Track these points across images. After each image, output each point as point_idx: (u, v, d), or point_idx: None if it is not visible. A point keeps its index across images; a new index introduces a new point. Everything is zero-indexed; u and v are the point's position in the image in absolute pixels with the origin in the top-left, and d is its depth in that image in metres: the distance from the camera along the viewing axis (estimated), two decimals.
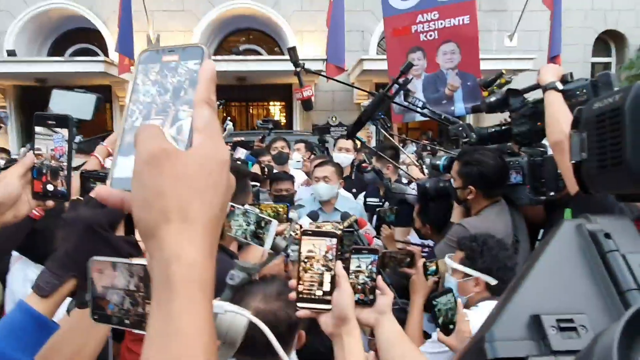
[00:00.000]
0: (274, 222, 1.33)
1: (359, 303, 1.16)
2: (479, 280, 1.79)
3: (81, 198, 1.03)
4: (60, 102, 1.53)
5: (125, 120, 0.51)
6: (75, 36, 12.94)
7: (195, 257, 0.42)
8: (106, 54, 11.87)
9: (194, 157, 0.44)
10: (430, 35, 4.44)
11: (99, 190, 0.50)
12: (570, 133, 0.47)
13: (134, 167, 0.44)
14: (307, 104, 2.91)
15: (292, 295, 1.11)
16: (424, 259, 2.12)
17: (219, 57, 11.05)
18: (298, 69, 2.78)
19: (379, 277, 1.20)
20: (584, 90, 1.72)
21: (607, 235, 0.36)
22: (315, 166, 3.46)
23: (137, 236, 0.85)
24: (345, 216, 2.35)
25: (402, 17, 4.60)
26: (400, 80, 2.49)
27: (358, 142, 4.14)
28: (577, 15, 12.36)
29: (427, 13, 4.46)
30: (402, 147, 4.78)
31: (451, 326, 1.62)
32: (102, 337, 0.93)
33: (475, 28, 4.35)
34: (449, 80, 4.32)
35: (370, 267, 1.18)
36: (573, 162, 0.47)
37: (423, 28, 4.49)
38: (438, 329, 1.66)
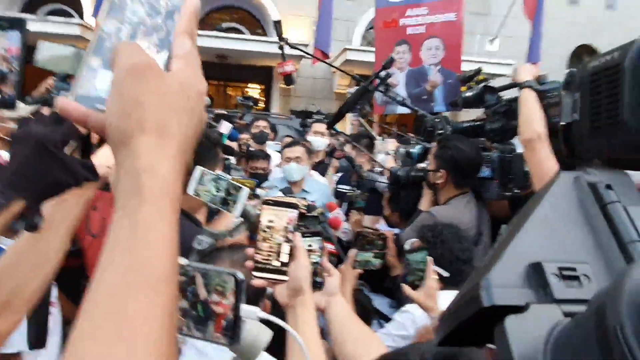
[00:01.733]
0: (245, 189, 1.30)
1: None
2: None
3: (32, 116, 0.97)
4: (46, 54, 1.48)
5: (93, 44, 0.49)
6: None
7: (169, 172, 0.41)
8: (82, 17, 11.41)
9: (176, 79, 0.44)
10: (417, 30, 4.50)
11: (63, 103, 0.46)
12: (562, 94, 0.48)
13: (114, 76, 0.43)
14: (288, 79, 2.91)
15: (249, 263, 1.10)
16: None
17: (200, 32, 10.80)
18: (282, 43, 2.76)
19: (324, 258, 1.20)
20: (556, 93, 1.79)
21: (609, 187, 0.35)
22: (286, 146, 3.46)
23: (95, 160, 0.80)
24: (312, 207, 2.35)
25: (393, 9, 4.65)
26: (382, 73, 2.53)
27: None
28: (557, 26, 12.68)
29: (417, 7, 4.52)
30: (382, 138, 4.83)
31: (417, 284, 1.62)
32: (45, 279, 0.86)
33: (461, 26, 4.43)
34: (430, 76, 4.36)
35: (319, 250, 1.19)
36: (563, 123, 0.45)
37: (410, 22, 4.55)
38: (404, 285, 1.66)
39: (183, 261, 0.84)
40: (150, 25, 0.49)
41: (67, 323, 2.23)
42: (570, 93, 0.44)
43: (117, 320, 0.36)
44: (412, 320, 1.72)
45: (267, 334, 0.85)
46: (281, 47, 2.79)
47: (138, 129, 0.41)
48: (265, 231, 1.10)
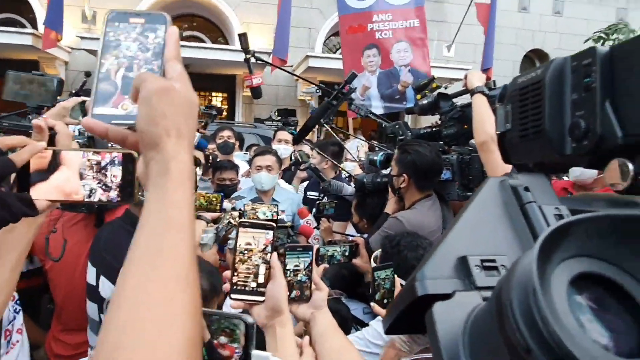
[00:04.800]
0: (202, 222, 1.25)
1: (295, 300, 1.17)
2: None
3: None
4: (16, 86, 1.41)
5: (99, 71, 0.62)
6: (1, 5, 11.89)
7: (187, 159, 0.58)
8: (35, 27, 11.02)
9: (182, 94, 0.60)
10: (385, 34, 4.65)
11: (86, 121, 0.61)
12: (497, 107, 0.52)
13: (143, 95, 0.58)
14: (256, 92, 2.91)
15: (226, 286, 1.10)
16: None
17: None
18: (248, 56, 2.77)
19: (314, 272, 1.22)
20: None
21: (526, 189, 0.41)
22: (256, 155, 3.43)
23: (33, 194, 0.79)
24: (281, 220, 2.37)
25: (358, 15, 4.77)
26: (345, 89, 2.60)
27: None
28: (509, 33, 13.25)
29: (381, 14, 4.68)
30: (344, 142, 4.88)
31: (385, 301, 1.65)
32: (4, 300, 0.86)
33: (424, 31, 4.61)
34: (401, 77, 4.52)
35: (308, 265, 1.20)
36: (498, 132, 0.50)
37: (379, 27, 4.69)
38: (373, 303, 1.69)
39: None
40: (143, 59, 0.63)
41: (35, 348, 2.16)
42: (503, 105, 0.50)
43: (154, 259, 0.52)
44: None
45: None
46: (247, 60, 2.80)
47: (165, 134, 0.57)
48: (242, 253, 1.10)
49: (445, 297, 0.34)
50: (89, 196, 0.79)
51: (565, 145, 0.41)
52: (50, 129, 1.03)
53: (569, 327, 0.25)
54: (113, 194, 0.79)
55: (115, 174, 0.80)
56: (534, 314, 0.25)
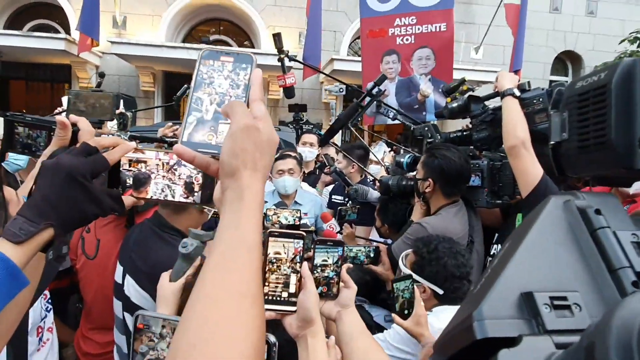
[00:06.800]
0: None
1: (322, 296, 1.14)
2: (426, 287, 1.77)
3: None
4: (78, 103, 1.47)
5: (190, 105, 0.70)
6: (35, 11, 12.30)
7: (259, 189, 0.65)
8: (68, 32, 11.35)
9: (265, 134, 0.66)
10: (407, 40, 4.46)
11: (177, 147, 0.68)
12: (550, 114, 0.47)
13: (231, 129, 0.65)
14: (289, 92, 2.89)
15: None
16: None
17: (187, 45, 10.81)
18: (282, 56, 2.76)
19: (343, 269, 1.19)
20: (540, 99, 1.80)
21: (598, 212, 0.35)
22: (277, 159, 3.42)
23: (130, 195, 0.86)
24: (305, 226, 2.34)
25: (380, 19, 4.60)
26: (375, 90, 2.55)
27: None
28: (540, 34, 12.91)
29: (405, 17, 4.48)
30: (370, 146, 4.82)
31: (406, 311, 1.61)
32: (21, 310, 0.87)
33: (452, 36, 4.40)
34: (421, 86, 4.36)
35: (337, 261, 1.17)
36: (552, 142, 0.45)
37: (400, 31, 4.49)
38: (394, 314, 1.65)
39: None
40: (234, 95, 0.71)
41: (63, 347, 2.19)
42: (559, 112, 0.45)
43: (230, 260, 0.59)
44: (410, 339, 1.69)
45: None
46: (281, 60, 2.79)
47: (242, 166, 0.64)
48: (272, 262, 1.09)
49: (509, 341, 0.29)
50: (167, 195, 0.87)
51: (635, 158, 0.35)
52: (74, 125, 1.05)
53: None
54: (196, 196, 0.88)
55: (182, 173, 0.87)
56: None
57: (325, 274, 1.16)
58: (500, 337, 0.29)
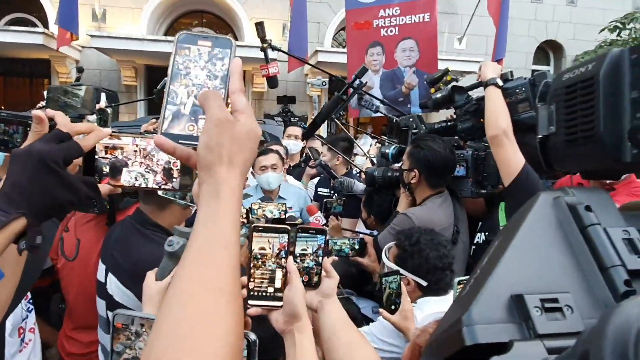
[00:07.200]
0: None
1: (303, 285, 1.12)
2: (409, 280, 1.78)
3: None
4: (57, 98, 1.42)
5: (168, 94, 0.68)
6: (13, 4, 11.98)
7: (235, 185, 0.64)
8: (46, 26, 11.08)
9: (244, 127, 0.65)
10: (391, 31, 4.43)
11: (158, 138, 0.67)
12: (537, 106, 0.45)
13: (206, 124, 0.64)
14: (272, 81, 2.84)
15: (243, 292, 1.06)
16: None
17: (170, 38, 10.64)
18: (265, 45, 2.72)
19: (325, 259, 1.17)
20: (523, 89, 1.81)
21: (588, 208, 0.34)
22: (259, 155, 3.39)
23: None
24: (292, 218, 2.33)
25: (365, 10, 4.56)
26: (356, 83, 2.53)
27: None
28: (521, 24, 13.01)
29: (389, 8, 4.45)
30: (356, 139, 4.81)
31: (393, 307, 1.63)
32: (3, 304, 0.86)
33: (435, 27, 4.38)
34: (406, 78, 4.33)
35: (317, 250, 1.16)
36: (539, 136, 0.44)
37: (384, 23, 4.46)
38: (381, 309, 1.67)
39: None
40: (211, 86, 0.68)
41: (46, 347, 2.16)
42: (546, 105, 0.43)
43: (207, 255, 0.59)
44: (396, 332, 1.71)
45: None
46: (264, 49, 2.74)
47: (218, 161, 0.63)
48: (257, 258, 1.08)
49: (500, 346, 0.27)
50: (141, 183, 0.84)
51: (624, 151, 0.34)
52: (50, 119, 1.02)
53: None
54: (175, 182, 0.85)
55: (160, 159, 0.85)
56: None
57: (305, 264, 1.15)
58: (491, 342, 0.28)
